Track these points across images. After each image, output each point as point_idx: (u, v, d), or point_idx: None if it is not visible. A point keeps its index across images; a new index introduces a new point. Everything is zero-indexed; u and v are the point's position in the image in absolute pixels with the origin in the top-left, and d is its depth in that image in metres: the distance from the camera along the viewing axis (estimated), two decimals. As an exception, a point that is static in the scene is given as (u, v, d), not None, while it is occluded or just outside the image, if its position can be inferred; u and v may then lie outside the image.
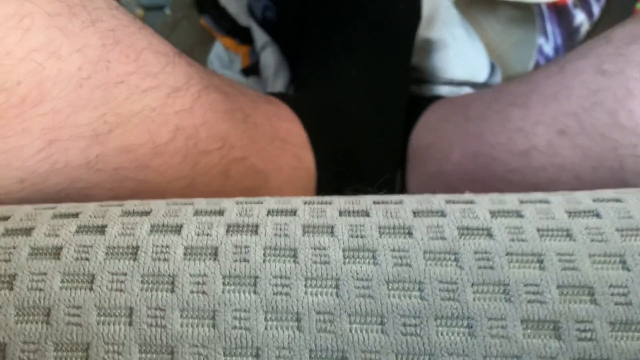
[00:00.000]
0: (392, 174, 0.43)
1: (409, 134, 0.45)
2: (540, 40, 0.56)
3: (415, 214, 0.20)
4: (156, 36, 0.27)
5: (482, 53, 0.52)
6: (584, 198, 0.21)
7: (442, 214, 0.20)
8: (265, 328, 0.18)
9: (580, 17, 0.56)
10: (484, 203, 0.21)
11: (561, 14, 0.56)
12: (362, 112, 0.43)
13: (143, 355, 0.18)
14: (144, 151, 0.27)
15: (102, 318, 0.18)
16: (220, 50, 0.61)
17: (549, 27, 0.56)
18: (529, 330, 0.18)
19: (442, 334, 0.18)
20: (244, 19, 0.58)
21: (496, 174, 0.36)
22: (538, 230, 0.19)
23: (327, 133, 0.40)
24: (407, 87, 0.48)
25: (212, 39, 0.61)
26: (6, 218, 0.21)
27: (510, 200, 0.21)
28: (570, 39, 0.56)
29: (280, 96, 0.40)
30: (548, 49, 0.56)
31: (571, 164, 0.31)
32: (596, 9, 0.57)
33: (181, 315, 0.18)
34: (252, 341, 0.18)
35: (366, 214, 0.20)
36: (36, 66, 0.21)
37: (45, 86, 0.22)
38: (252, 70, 0.58)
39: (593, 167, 0.30)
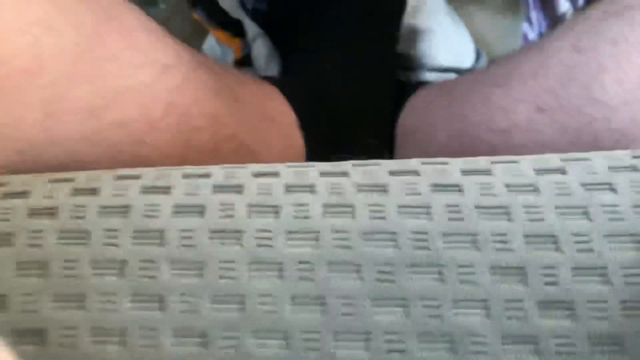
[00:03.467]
0: (380, 155, 0.44)
1: (397, 119, 0.46)
2: (525, 27, 0.57)
3: (391, 173, 0.21)
4: (146, 16, 0.28)
5: (467, 40, 0.53)
6: (552, 158, 0.22)
7: (417, 173, 0.21)
8: (249, 277, 0.19)
9: (565, 5, 0.58)
10: (456, 164, 0.22)
11: (546, 2, 0.57)
12: (349, 95, 0.44)
13: (135, 304, 0.19)
14: (139, 126, 0.28)
15: (96, 271, 0.19)
16: (214, 43, 0.62)
17: (534, 14, 0.57)
18: (496, 276, 0.19)
19: (414, 280, 0.19)
20: (235, 12, 0.59)
21: (480, 153, 0.36)
22: (506, 185, 0.20)
23: (316, 114, 0.41)
24: (393, 72, 0.49)
25: (205, 32, 0.62)
26: (4, 184, 0.22)
27: (482, 161, 0.22)
28: (555, 27, 0.57)
29: (269, 79, 0.41)
30: (532, 36, 0.57)
31: (550, 140, 0.32)
32: (581, -3, 0.58)
33: (170, 267, 0.19)
34: (237, 289, 0.19)
35: (345, 174, 0.21)
36: (34, 39, 0.22)
37: (43, 59, 0.23)
38: (245, 62, 0.59)
39: (571, 142, 0.31)
